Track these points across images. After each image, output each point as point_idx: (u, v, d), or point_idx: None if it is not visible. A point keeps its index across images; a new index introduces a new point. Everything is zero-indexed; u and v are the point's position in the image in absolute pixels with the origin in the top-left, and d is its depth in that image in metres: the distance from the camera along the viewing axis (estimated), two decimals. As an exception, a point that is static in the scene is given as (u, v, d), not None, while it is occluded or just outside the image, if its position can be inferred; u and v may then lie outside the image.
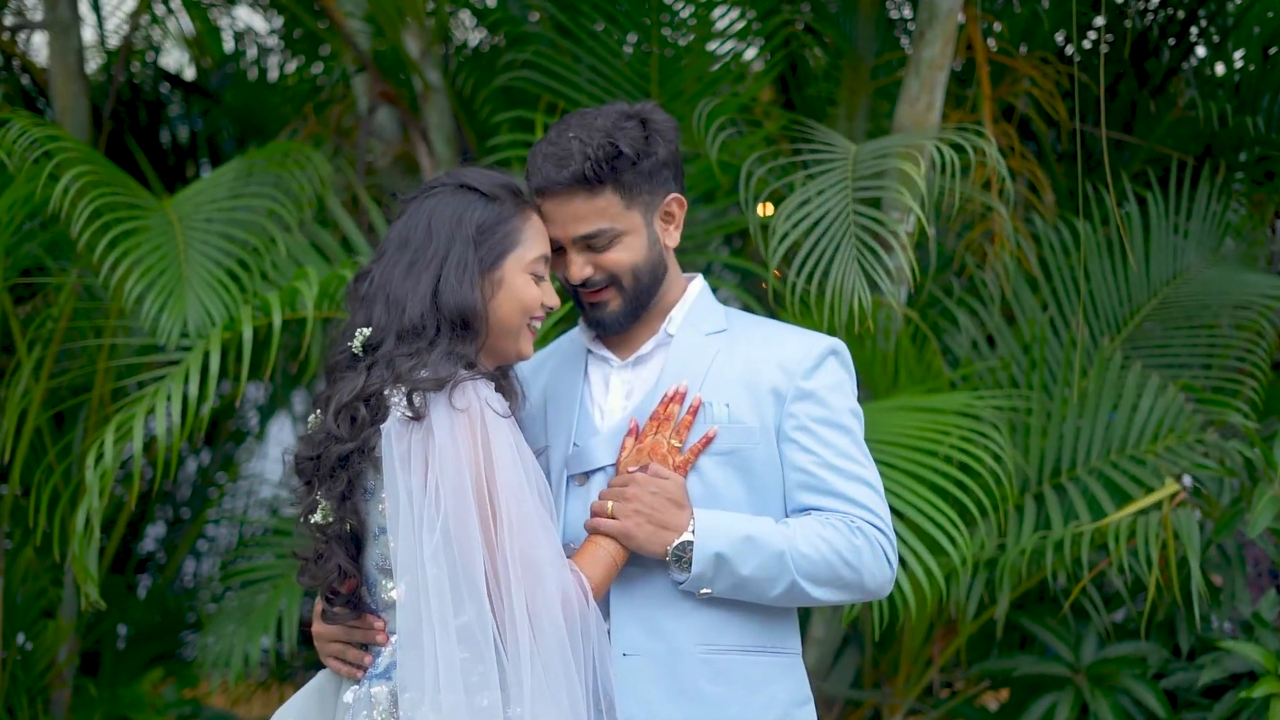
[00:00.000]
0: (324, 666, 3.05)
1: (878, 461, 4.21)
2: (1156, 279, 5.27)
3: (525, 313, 2.97)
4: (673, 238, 3.15)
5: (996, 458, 4.35)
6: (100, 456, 3.90)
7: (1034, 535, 4.56)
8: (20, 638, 5.55)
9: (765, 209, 4.69)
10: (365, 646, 2.95)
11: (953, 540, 4.19)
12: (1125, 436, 4.82)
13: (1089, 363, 4.96)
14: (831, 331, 3.89)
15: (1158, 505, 4.46)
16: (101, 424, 4.91)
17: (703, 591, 2.97)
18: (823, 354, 3.11)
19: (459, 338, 2.88)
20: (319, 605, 3.01)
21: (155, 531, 7.45)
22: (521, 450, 2.85)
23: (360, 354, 2.91)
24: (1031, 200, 5.26)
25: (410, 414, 2.79)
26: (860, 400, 4.19)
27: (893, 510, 4.22)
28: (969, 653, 5.36)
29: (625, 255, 3.07)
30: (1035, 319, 5.01)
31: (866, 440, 4.25)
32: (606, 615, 2.99)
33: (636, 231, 3.07)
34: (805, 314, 4.13)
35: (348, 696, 2.92)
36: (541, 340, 3.75)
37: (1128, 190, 5.36)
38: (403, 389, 2.81)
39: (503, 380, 2.96)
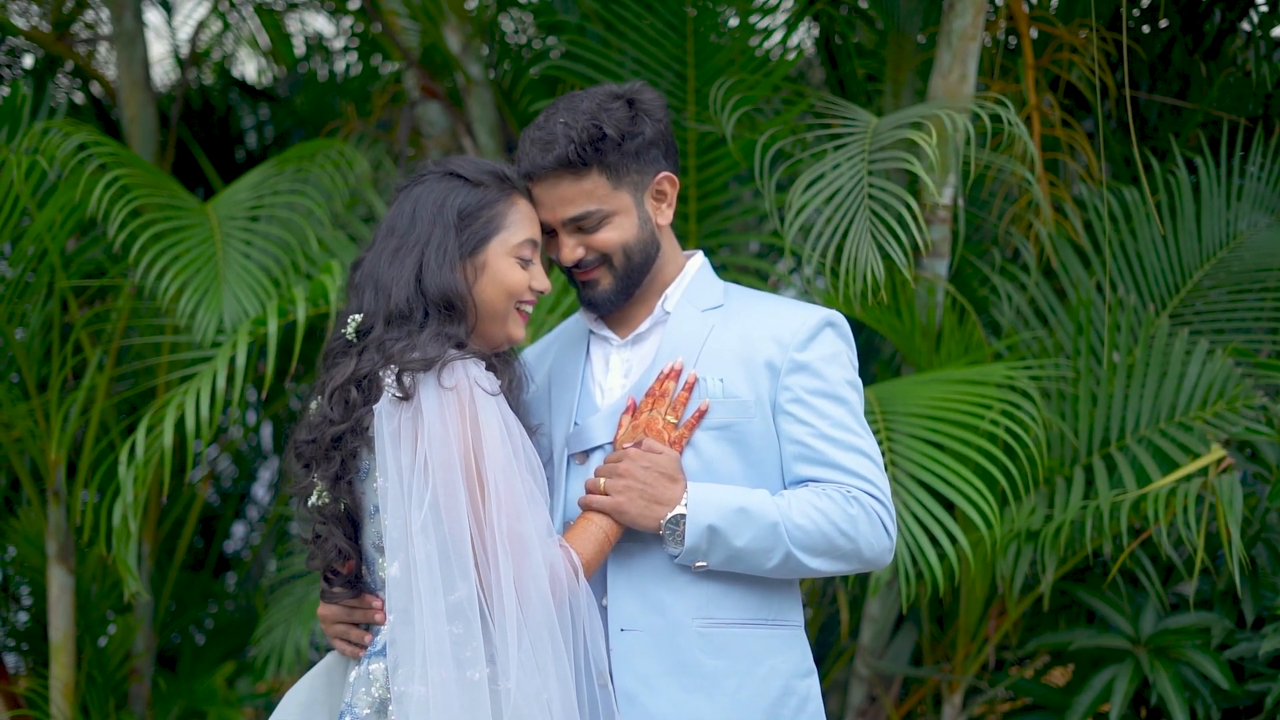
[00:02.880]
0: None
1: (912, 435, 4.22)
2: (1209, 243, 5.17)
3: (511, 296, 3.01)
4: (665, 215, 3.16)
5: (1026, 428, 4.30)
6: (133, 454, 3.99)
7: (1075, 506, 4.50)
8: (104, 638, 5.70)
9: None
10: (368, 626, 3.01)
11: (985, 516, 4.14)
12: (1174, 404, 4.74)
13: (1137, 327, 4.88)
14: (848, 304, 3.89)
15: (1203, 472, 4.38)
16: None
17: (698, 565, 2.98)
18: (817, 326, 3.11)
19: (447, 319, 2.93)
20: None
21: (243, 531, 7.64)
22: (512, 427, 2.89)
23: (354, 340, 2.97)
24: (1077, 169, 5.19)
25: (399, 394, 2.84)
26: (900, 374, 4.17)
27: (926, 487, 4.21)
28: (1039, 628, 5.30)
29: (615, 235, 3.09)
30: (1081, 285, 4.94)
31: (902, 414, 4.27)
32: (604, 591, 3.02)
33: (626, 211, 3.09)
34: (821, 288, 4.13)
35: (351, 675, 2.98)
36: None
37: (1177, 156, 5.26)
38: (394, 369, 2.86)
39: (494, 359, 2.99)
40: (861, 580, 5.11)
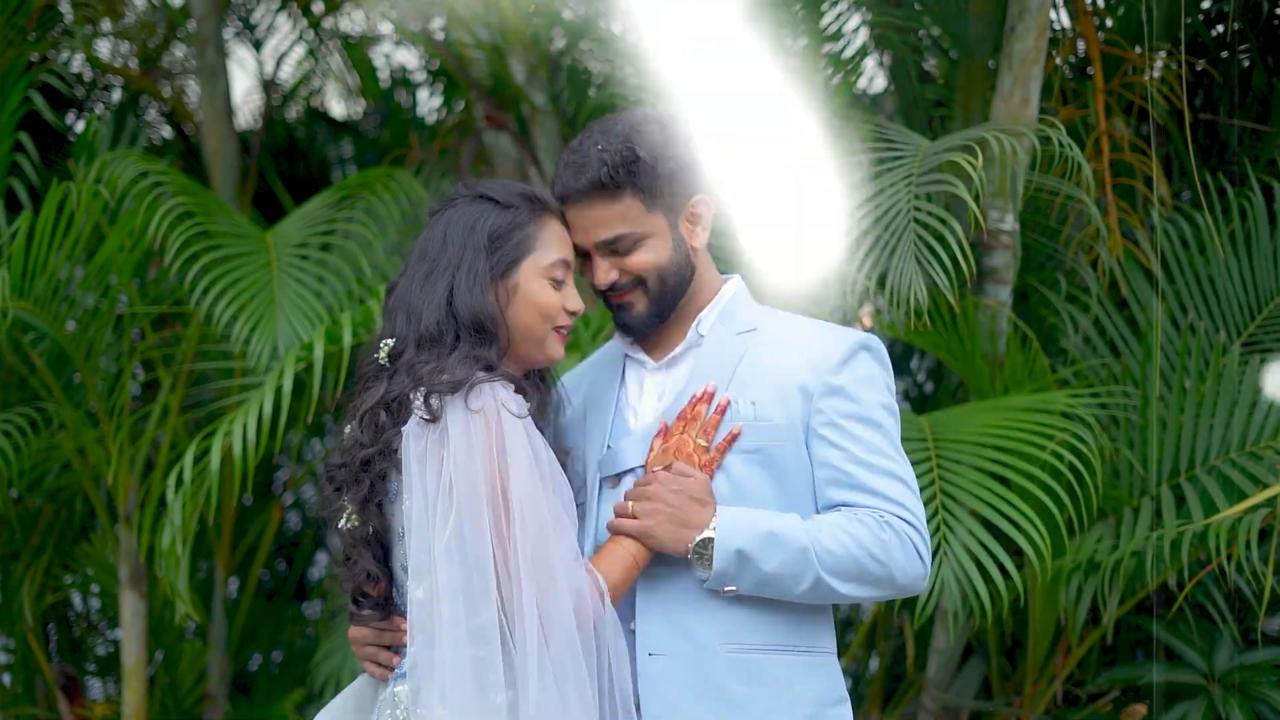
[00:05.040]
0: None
1: (965, 463, 4.16)
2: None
3: (546, 318, 3.00)
4: (700, 238, 3.14)
5: (1086, 461, 4.21)
6: (181, 480, 4.03)
7: (1140, 538, 4.40)
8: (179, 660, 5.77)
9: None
10: (397, 648, 3.01)
11: (1037, 549, 4.06)
12: (1245, 434, 4.62)
13: (1209, 353, 4.77)
14: (892, 328, 3.83)
15: (1270, 503, 4.27)
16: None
17: (727, 589, 2.95)
18: (852, 349, 3.06)
19: (477, 342, 2.93)
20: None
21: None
22: (539, 451, 2.87)
23: (386, 364, 2.98)
24: (1148, 195, 5.09)
25: (427, 416, 2.84)
26: (962, 401, 4.09)
27: (980, 518, 4.14)
28: (1116, 662, 5.19)
29: (649, 257, 3.07)
30: (1150, 311, 4.84)
31: (955, 441, 4.20)
32: (633, 615, 2.99)
33: (660, 234, 3.08)
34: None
35: (379, 698, 2.99)
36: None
37: (1253, 181, 5.13)
38: (422, 392, 2.87)
39: (524, 382, 2.98)
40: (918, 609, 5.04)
